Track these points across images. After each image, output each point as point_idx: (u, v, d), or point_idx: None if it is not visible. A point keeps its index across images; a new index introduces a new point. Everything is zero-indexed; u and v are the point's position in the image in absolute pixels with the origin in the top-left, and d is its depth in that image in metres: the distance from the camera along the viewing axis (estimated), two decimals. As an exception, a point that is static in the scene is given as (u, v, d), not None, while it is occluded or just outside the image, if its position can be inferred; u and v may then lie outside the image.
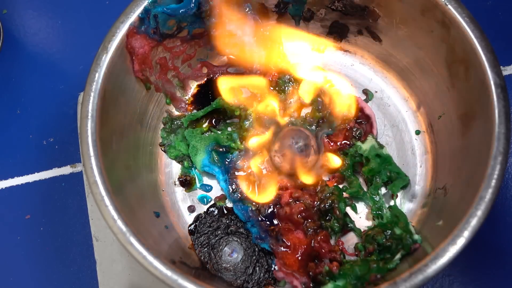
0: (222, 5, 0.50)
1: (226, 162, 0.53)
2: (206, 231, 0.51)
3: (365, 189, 0.52)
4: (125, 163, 0.49)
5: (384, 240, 0.47)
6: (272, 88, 0.54)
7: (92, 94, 0.45)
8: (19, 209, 0.59)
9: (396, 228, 0.48)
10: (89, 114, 0.44)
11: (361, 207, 0.52)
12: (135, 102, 0.51)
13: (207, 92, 0.57)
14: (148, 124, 0.54)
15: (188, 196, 0.54)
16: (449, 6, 0.45)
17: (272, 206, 0.51)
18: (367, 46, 0.56)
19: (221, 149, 0.53)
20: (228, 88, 0.53)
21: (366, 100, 0.56)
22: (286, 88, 0.54)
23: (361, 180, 0.52)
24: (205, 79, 0.57)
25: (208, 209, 0.53)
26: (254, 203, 0.51)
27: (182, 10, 0.49)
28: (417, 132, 0.54)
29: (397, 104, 0.55)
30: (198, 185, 0.54)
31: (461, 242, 0.39)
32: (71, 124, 0.60)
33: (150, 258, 0.40)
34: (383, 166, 0.51)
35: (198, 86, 0.57)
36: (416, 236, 0.46)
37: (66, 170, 0.60)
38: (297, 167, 0.50)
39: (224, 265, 0.50)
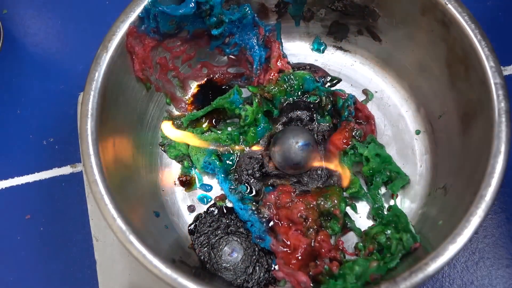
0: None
1: (226, 162, 0.53)
2: (206, 231, 0.51)
3: (365, 189, 0.52)
4: (125, 162, 0.49)
5: (384, 240, 0.47)
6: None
7: (92, 93, 0.45)
8: (19, 209, 0.59)
9: (396, 227, 0.48)
10: (89, 113, 0.44)
11: (361, 207, 0.52)
12: (135, 101, 0.51)
13: (207, 92, 0.57)
14: (148, 124, 0.54)
15: (188, 196, 0.54)
16: (449, 6, 0.45)
17: (272, 206, 0.51)
18: (367, 46, 0.56)
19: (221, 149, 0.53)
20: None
21: (366, 100, 0.56)
22: (287, 85, 0.54)
23: (361, 180, 0.52)
24: (205, 79, 0.57)
25: (208, 209, 0.53)
26: (254, 203, 0.51)
27: (181, 10, 0.49)
28: (417, 132, 0.54)
29: (397, 104, 0.55)
30: (198, 185, 0.54)
31: (461, 241, 0.39)
32: (71, 124, 0.60)
33: (150, 257, 0.40)
34: (383, 166, 0.51)
35: (198, 86, 0.57)
36: (416, 236, 0.46)
37: (66, 170, 0.60)
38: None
39: (224, 264, 0.50)
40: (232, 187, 0.52)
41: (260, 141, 0.54)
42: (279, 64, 0.55)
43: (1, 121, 0.63)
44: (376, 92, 0.56)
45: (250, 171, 0.53)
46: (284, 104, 0.54)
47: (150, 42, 0.50)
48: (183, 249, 0.50)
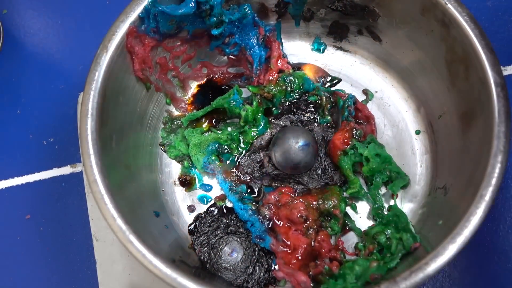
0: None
1: (227, 162, 0.53)
2: (206, 231, 0.51)
3: (365, 189, 0.52)
4: (125, 162, 0.49)
5: (384, 240, 0.47)
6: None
7: (92, 93, 0.45)
8: (19, 209, 0.59)
9: (396, 227, 0.48)
10: (89, 113, 0.44)
11: (361, 207, 0.52)
12: (135, 101, 0.51)
13: (207, 92, 0.57)
14: (148, 124, 0.54)
15: (188, 196, 0.54)
16: (449, 6, 0.45)
17: (272, 206, 0.51)
18: (367, 46, 0.56)
19: (221, 149, 0.53)
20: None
21: (366, 100, 0.56)
22: (287, 85, 0.54)
23: (361, 180, 0.52)
24: (205, 79, 0.57)
25: (208, 208, 0.53)
26: (254, 203, 0.51)
27: (181, 10, 0.49)
28: (417, 132, 0.54)
29: (397, 104, 0.55)
30: (198, 185, 0.54)
31: (461, 240, 0.39)
32: (71, 124, 0.60)
33: (150, 256, 0.40)
34: (383, 166, 0.51)
35: (198, 86, 0.57)
36: (416, 236, 0.46)
37: (66, 170, 0.60)
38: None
39: (224, 264, 0.50)
40: (232, 187, 0.52)
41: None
42: (279, 64, 0.55)
43: (1, 121, 0.63)
44: (376, 92, 0.56)
45: (250, 171, 0.53)
46: (285, 105, 0.54)
47: (150, 42, 0.50)
48: (183, 249, 0.50)
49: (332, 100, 0.54)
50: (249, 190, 0.52)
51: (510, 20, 0.62)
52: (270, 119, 0.54)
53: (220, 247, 0.50)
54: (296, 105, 0.54)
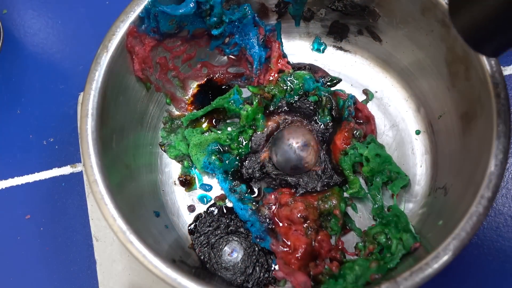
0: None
1: (226, 162, 0.53)
2: (206, 231, 0.51)
3: (365, 189, 0.52)
4: (125, 162, 0.49)
5: (384, 240, 0.47)
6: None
7: (92, 92, 0.45)
8: (19, 209, 0.59)
9: (396, 227, 0.48)
10: (89, 113, 0.44)
11: (361, 207, 0.52)
12: (135, 101, 0.51)
13: (207, 92, 0.57)
14: (148, 124, 0.54)
15: (188, 196, 0.54)
16: (449, 6, 0.45)
17: (272, 206, 0.51)
18: (367, 46, 0.56)
19: (221, 149, 0.53)
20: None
21: (366, 100, 0.56)
22: (287, 85, 0.54)
23: (361, 180, 0.52)
24: (205, 79, 0.57)
25: (208, 208, 0.53)
26: (254, 203, 0.51)
27: (181, 10, 0.49)
28: (417, 132, 0.54)
29: (397, 104, 0.55)
30: (198, 184, 0.54)
31: (461, 240, 0.39)
32: (71, 124, 0.60)
33: (150, 256, 0.40)
34: (383, 166, 0.51)
35: (198, 86, 0.57)
36: (416, 236, 0.46)
37: (66, 170, 0.60)
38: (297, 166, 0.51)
39: (224, 264, 0.50)
40: (232, 187, 0.52)
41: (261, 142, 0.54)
42: (279, 64, 0.55)
43: (1, 121, 0.63)
44: (376, 92, 0.56)
45: (250, 171, 0.53)
46: (285, 104, 0.54)
47: (150, 42, 0.50)
48: (183, 249, 0.50)
49: (332, 100, 0.54)
50: (249, 190, 0.52)
51: (510, 20, 0.62)
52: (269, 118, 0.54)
53: (220, 247, 0.50)
54: (296, 105, 0.54)
